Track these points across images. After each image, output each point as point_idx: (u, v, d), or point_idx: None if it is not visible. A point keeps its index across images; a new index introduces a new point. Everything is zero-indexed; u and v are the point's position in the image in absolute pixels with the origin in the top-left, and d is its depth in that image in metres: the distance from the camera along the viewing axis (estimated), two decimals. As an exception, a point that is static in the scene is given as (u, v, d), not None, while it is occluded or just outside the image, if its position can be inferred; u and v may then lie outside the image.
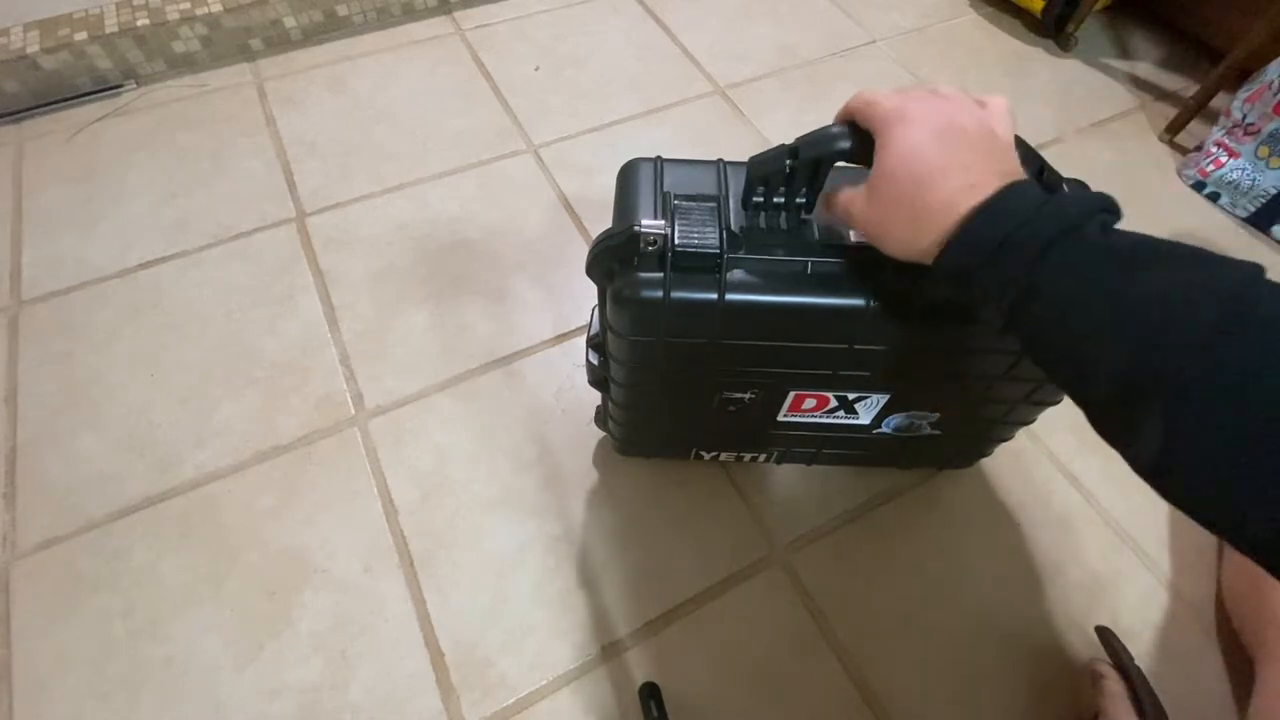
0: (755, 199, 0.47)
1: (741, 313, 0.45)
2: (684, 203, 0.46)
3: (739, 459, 0.70)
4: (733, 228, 0.47)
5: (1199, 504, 0.30)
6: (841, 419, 0.60)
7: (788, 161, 0.43)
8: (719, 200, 0.47)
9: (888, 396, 0.56)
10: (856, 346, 0.49)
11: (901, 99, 0.39)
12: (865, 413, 0.59)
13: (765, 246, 0.46)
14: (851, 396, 0.56)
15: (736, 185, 0.49)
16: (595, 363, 0.57)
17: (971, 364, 0.52)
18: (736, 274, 0.45)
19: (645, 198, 0.49)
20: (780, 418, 0.59)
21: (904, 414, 0.59)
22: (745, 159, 0.48)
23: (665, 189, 0.49)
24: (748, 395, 0.56)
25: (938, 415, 0.59)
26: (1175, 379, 0.28)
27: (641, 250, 0.44)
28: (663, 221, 0.44)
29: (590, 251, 0.46)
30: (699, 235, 0.44)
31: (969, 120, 0.39)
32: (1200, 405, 0.28)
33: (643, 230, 0.43)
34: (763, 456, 0.70)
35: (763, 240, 0.47)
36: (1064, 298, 0.33)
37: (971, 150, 0.37)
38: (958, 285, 0.37)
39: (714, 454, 0.69)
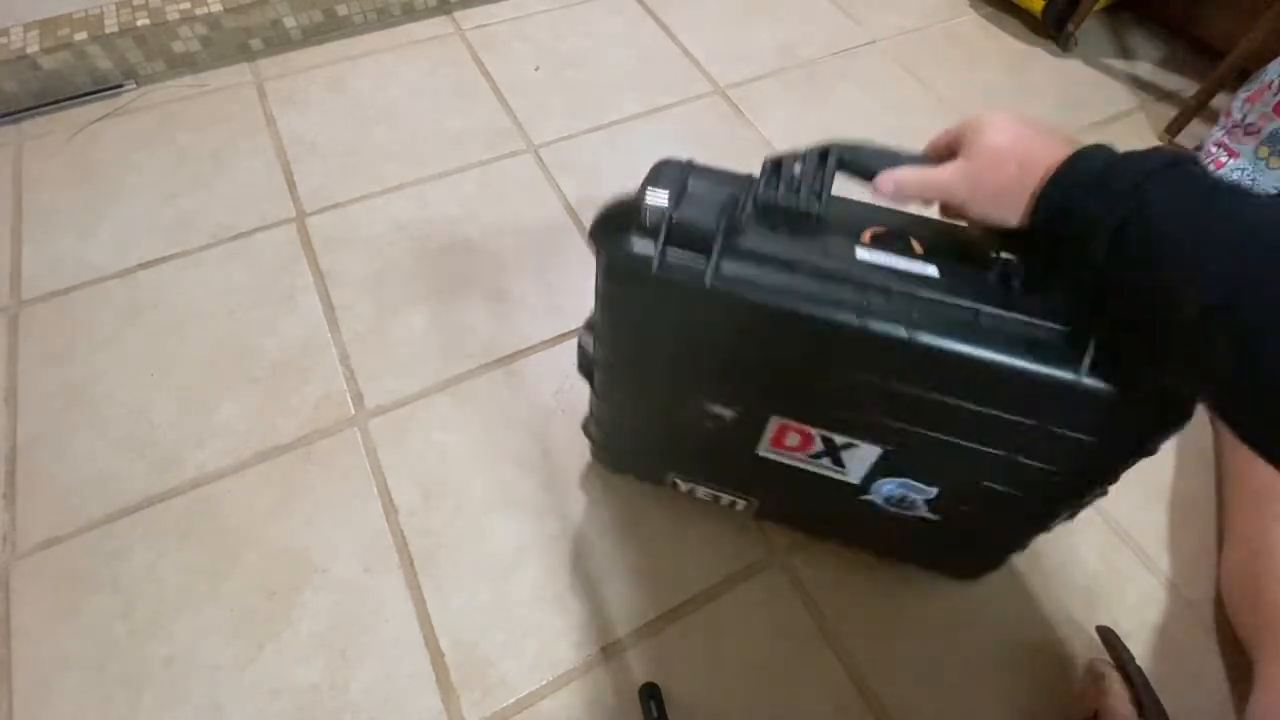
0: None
1: (731, 306, 0.43)
2: (698, 186, 0.46)
3: (716, 500, 0.65)
4: (743, 220, 0.46)
5: (1257, 428, 0.32)
6: (827, 469, 0.54)
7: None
8: (737, 195, 0.46)
9: (879, 451, 0.50)
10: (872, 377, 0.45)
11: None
12: (853, 468, 0.53)
13: (780, 243, 0.44)
14: (839, 440, 0.51)
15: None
16: (588, 347, 0.56)
17: (997, 415, 0.45)
18: (734, 266, 0.43)
19: (666, 183, 0.47)
20: (760, 451, 0.55)
21: (898, 481, 0.53)
22: (751, 159, 0.47)
23: (689, 181, 0.47)
24: (729, 413, 0.52)
25: (936, 491, 0.53)
26: (1255, 304, 0.30)
27: (642, 220, 0.44)
28: (667, 192, 0.44)
29: (595, 216, 0.46)
30: (702, 215, 0.44)
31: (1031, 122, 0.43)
32: (1273, 330, 0.29)
33: (648, 202, 0.43)
34: (741, 504, 0.65)
35: (778, 239, 0.45)
36: (1168, 215, 0.34)
37: (1052, 132, 0.41)
38: (1059, 222, 0.38)
39: (690, 485, 0.65)
